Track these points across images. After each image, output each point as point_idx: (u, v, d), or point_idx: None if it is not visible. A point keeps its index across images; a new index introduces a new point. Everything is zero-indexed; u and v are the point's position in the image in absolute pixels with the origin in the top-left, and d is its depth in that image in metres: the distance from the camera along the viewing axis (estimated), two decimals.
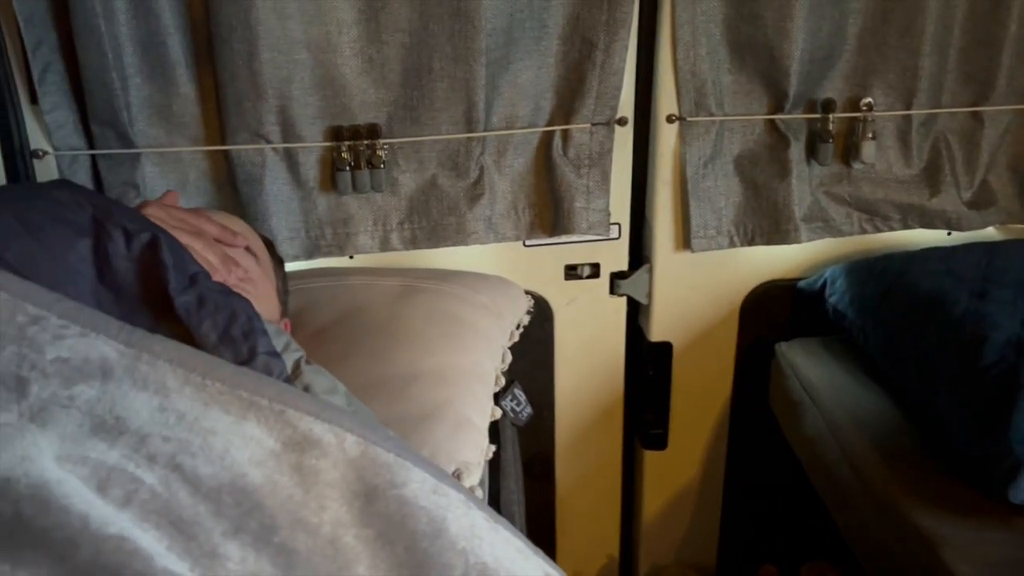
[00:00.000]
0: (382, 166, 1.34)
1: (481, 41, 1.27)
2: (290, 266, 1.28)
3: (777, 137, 1.45)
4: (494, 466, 1.15)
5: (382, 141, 1.33)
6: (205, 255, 0.89)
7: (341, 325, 1.17)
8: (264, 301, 1.01)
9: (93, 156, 1.28)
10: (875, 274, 1.46)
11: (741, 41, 1.39)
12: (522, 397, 1.29)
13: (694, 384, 1.64)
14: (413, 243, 1.40)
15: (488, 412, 1.11)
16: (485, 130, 1.36)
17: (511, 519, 1.15)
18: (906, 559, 1.13)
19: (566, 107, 1.38)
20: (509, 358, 1.26)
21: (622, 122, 1.41)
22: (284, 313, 1.10)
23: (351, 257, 1.42)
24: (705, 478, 1.74)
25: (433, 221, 1.39)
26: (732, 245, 1.50)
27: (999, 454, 1.08)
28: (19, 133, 1.27)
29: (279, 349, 0.74)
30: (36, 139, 1.29)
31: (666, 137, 1.45)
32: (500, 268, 1.47)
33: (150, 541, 0.50)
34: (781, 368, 1.52)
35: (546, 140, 1.40)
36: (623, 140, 1.44)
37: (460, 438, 1.01)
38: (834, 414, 1.34)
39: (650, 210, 1.51)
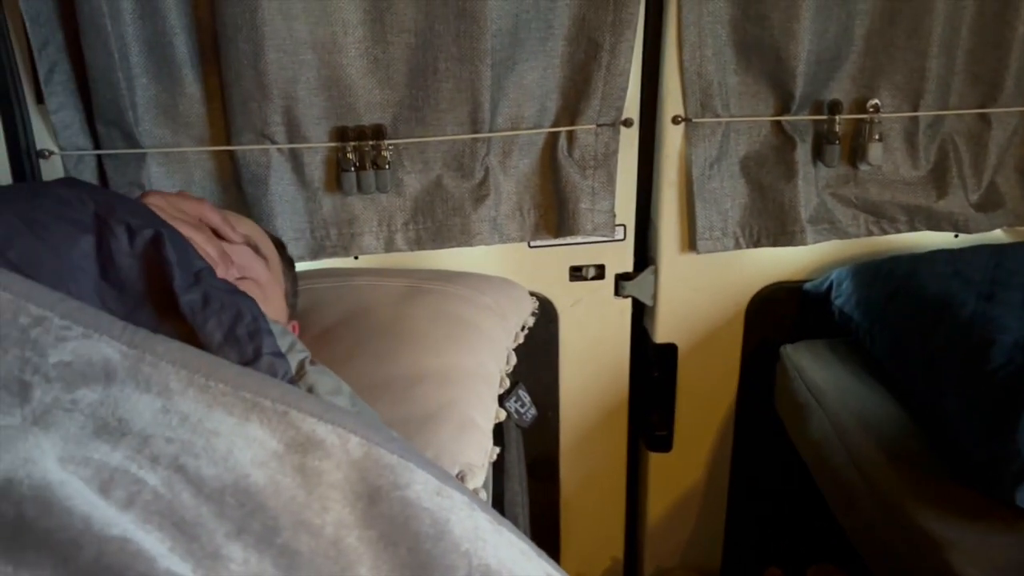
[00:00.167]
0: (387, 167, 1.34)
1: (487, 42, 1.27)
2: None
3: (783, 138, 1.45)
4: (498, 468, 1.15)
5: (387, 142, 1.33)
6: (205, 248, 0.89)
7: (346, 326, 1.17)
8: (271, 305, 1.00)
9: (99, 156, 1.29)
10: (882, 276, 1.45)
11: (747, 42, 1.39)
12: (526, 398, 1.29)
13: (699, 386, 1.64)
14: (418, 244, 1.40)
15: (492, 414, 1.10)
16: (490, 131, 1.36)
17: (515, 521, 1.15)
18: (913, 562, 1.12)
19: (571, 108, 1.38)
20: (514, 360, 1.26)
21: (627, 123, 1.41)
22: (292, 316, 1.10)
23: (356, 258, 1.42)
24: (710, 480, 1.73)
25: (438, 222, 1.39)
26: (738, 247, 1.49)
27: (1006, 457, 1.08)
28: (25, 133, 1.27)
29: (284, 349, 0.74)
30: (42, 139, 1.29)
31: (672, 138, 1.44)
32: (505, 269, 1.47)
33: (153, 542, 0.50)
34: (787, 370, 1.52)
35: (551, 141, 1.40)
36: (628, 141, 1.43)
37: (464, 440, 1.00)
38: (840, 416, 1.33)
39: (655, 211, 1.51)
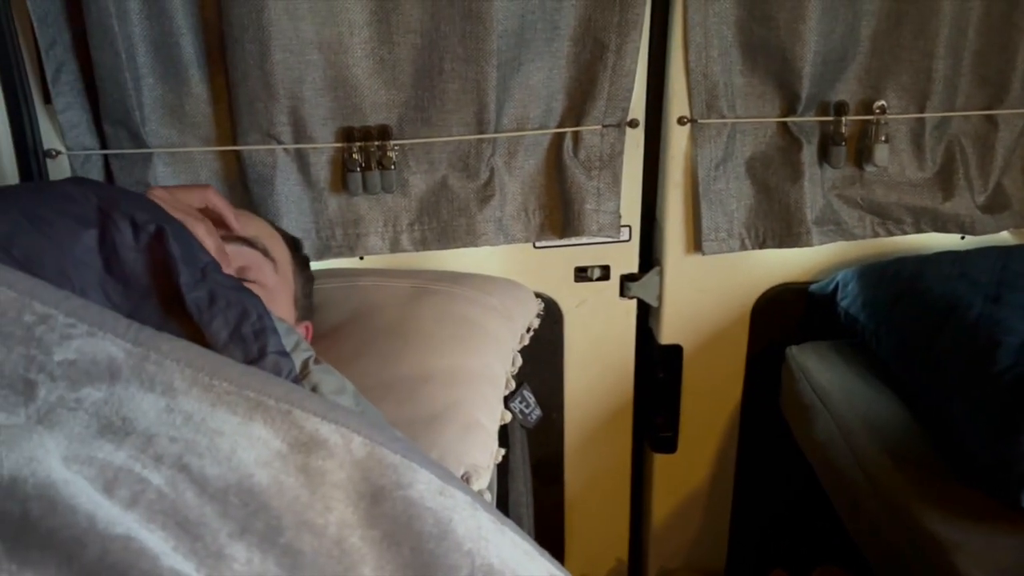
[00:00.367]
0: (393, 167, 1.34)
1: (492, 42, 1.27)
2: None
3: (789, 139, 1.45)
4: (503, 468, 1.15)
5: (393, 142, 1.33)
6: (205, 241, 0.88)
7: (351, 326, 1.17)
8: (277, 307, 1.00)
9: (106, 156, 1.29)
10: (887, 278, 1.45)
11: (753, 43, 1.39)
12: (531, 399, 1.29)
13: (704, 387, 1.64)
14: (423, 244, 1.40)
15: (498, 414, 1.10)
16: (496, 131, 1.36)
17: (519, 521, 1.15)
18: (918, 564, 1.12)
19: (577, 109, 1.38)
20: (519, 361, 1.26)
21: (633, 124, 1.41)
22: (304, 317, 1.09)
23: (361, 258, 1.42)
24: (715, 481, 1.73)
25: (443, 222, 1.39)
26: (743, 248, 1.49)
27: (1012, 459, 1.07)
28: (32, 132, 1.27)
29: (288, 348, 0.74)
30: (49, 139, 1.29)
31: (677, 139, 1.44)
32: (510, 270, 1.47)
33: (156, 541, 0.50)
34: (792, 372, 1.52)
35: (557, 142, 1.40)
36: (634, 142, 1.43)
37: (469, 440, 1.00)
38: (846, 418, 1.33)
39: (661, 212, 1.51)
